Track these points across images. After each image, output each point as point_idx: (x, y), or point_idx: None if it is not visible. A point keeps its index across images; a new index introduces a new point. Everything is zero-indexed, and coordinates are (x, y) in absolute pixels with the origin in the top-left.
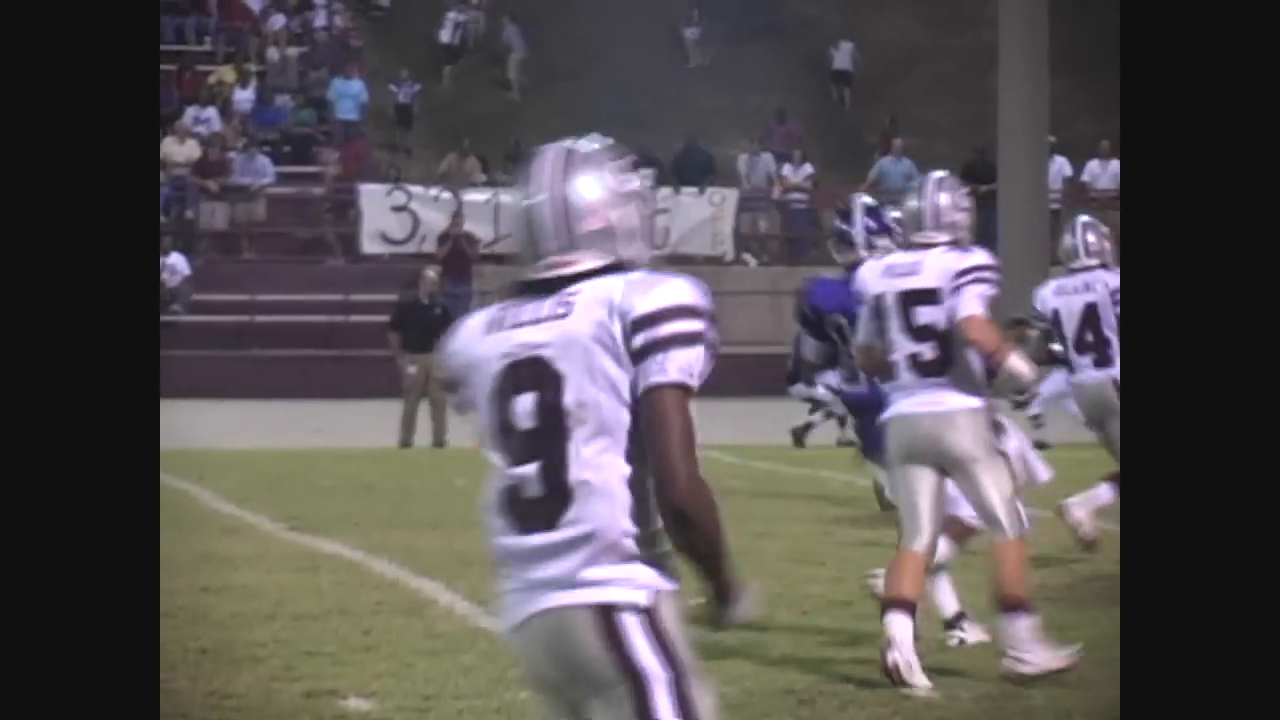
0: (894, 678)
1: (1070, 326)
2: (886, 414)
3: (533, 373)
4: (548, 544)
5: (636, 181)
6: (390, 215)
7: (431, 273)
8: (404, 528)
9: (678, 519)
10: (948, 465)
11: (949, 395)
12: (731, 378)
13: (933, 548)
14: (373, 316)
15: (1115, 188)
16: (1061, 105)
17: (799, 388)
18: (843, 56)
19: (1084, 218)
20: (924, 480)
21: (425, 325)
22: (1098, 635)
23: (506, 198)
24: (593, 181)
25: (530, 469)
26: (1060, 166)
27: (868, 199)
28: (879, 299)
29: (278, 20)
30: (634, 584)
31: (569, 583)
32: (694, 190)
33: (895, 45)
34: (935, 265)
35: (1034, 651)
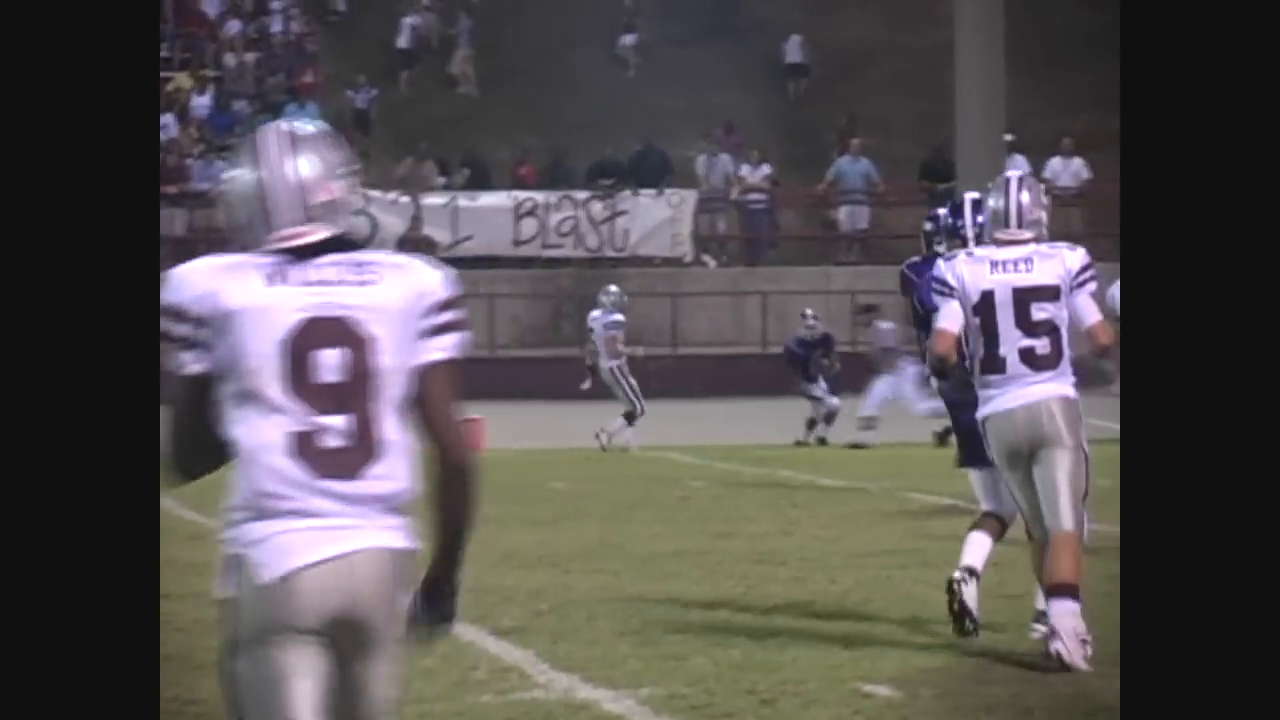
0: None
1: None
2: (989, 409)
3: (340, 330)
4: (353, 493)
5: (350, 164)
6: (349, 219)
7: None
8: None
9: (463, 476)
10: (1039, 450)
11: (1053, 386)
12: (691, 379)
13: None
14: None
15: (1076, 185)
16: (1019, 103)
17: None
18: (793, 49)
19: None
20: (1025, 480)
21: None
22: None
23: (465, 201)
24: (317, 159)
25: (337, 420)
26: (1019, 164)
27: (974, 194)
28: (987, 294)
29: (234, 26)
30: (412, 537)
31: (373, 529)
32: (652, 192)
33: (852, 43)
34: (1049, 262)
35: (1073, 641)
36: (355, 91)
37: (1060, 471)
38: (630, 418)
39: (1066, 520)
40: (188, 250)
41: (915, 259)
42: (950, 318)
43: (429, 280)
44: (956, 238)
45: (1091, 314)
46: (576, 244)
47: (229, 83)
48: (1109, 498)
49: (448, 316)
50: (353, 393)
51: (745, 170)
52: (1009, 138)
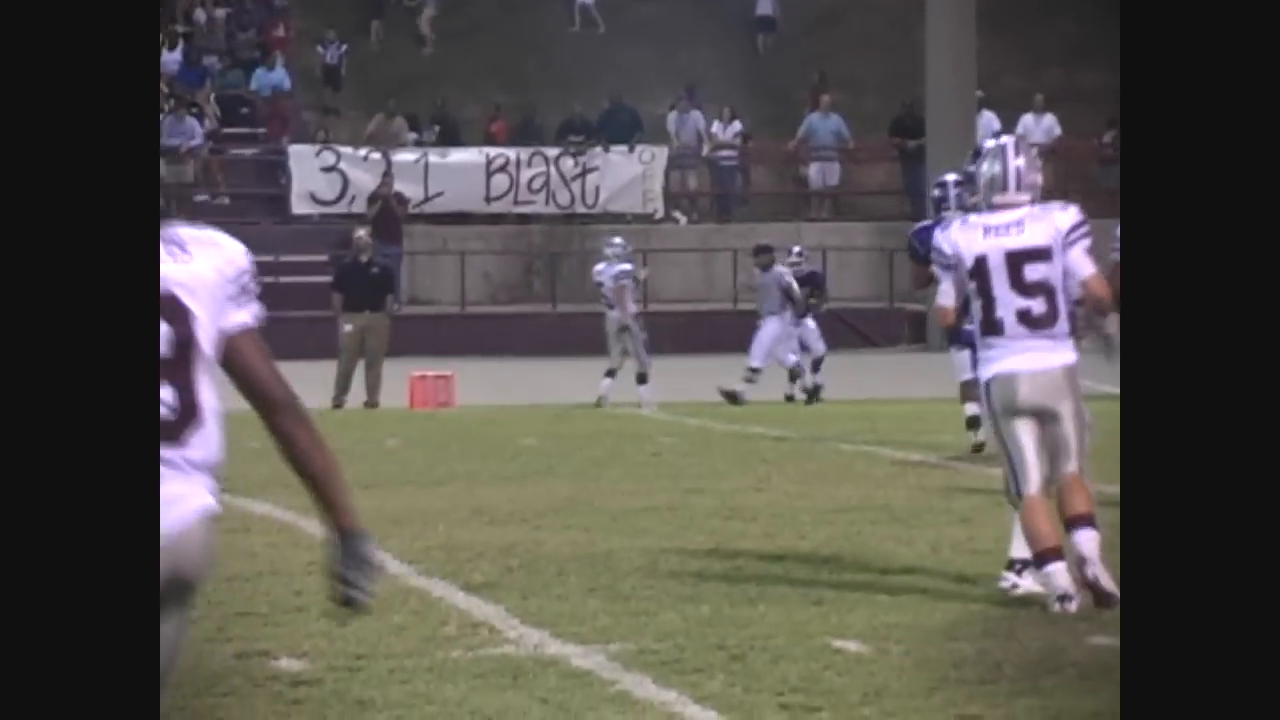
0: (1096, 591)
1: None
2: (991, 372)
3: (170, 306)
4: (177, 458)
5: None
6: (319, 176)
7: (362, 232)
8: None
9: (305, 421)
10: (1046, 414)
11: (1054, 348)
12: (662, 335)
13: (1047, 488)
14: (303, 277)
15: (1048, 141)
16: (989, 60)
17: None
18: (765, 3)
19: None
20: (1030, 432)
21: (364, 285)
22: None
23: (436, 158)
24: None
25: (167, 392)
26: (989, 121)
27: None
28: (981, 259)
29: None
30: (216, 502)
31: (196, 494)
32: (623, 149)
33: (821, 2)
34: (1040, 223)
35: (1104, 564)
36: (325, 47)
37: (1067, 426)
38: (641, 378)
39: (1074, 465)
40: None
41: (924, 224)
42: (947, 294)
43: (235, 252)
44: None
45: (1085, 268)
46: (548, 200)
47: (199, 38)
48: (1104, 456)
49: (251, 283)
50: (177, 365)
51: (716, 127)
52: (979, 94)
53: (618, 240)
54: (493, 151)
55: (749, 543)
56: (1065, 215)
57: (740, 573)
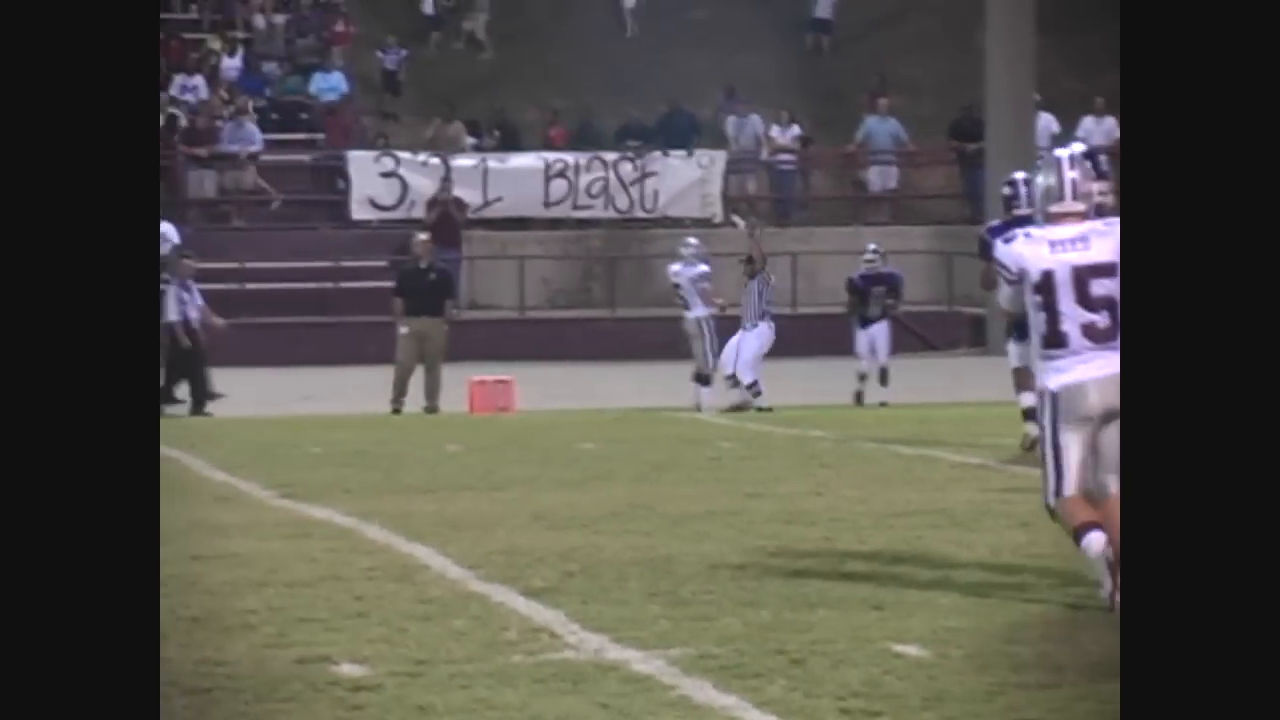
0: None
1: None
2: (1058, 382)
3: None
4: None
5: None
6: (379, 181)
7: (423, 236)
8: (395, 493)
9: None
10: (1111, 420)
11: (1115, 359)
12: (721, 339)
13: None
14: (362, 283)
15: (1108, 144)
16: (1047, 62)
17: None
18: (824, 5)
19: None
20: (1083, 444)
21: (422, 290)
22: (1089, 593)
23: (495, 163)
24: None
25: None
26: (1047, 123)
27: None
28: (1048, 274)
29: None
30: None
31: None
32: (682, 153)
33: (880, 3)
34: (1106, 240)
35: None
36: (385, 53)
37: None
38: (702, 379)
39: (1115, 484)
40: (217, 212)
41: (995, 223)
42: (1011, 300)
43: None
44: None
45: None
46: (606, 205)
47: (259, 44)
48: None
49: None
50: None
51: (775, 131)
52: (1036, 97)
53: (693, 240)
54: (551, 156)
55: (808, 547)
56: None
57: (800, 577)
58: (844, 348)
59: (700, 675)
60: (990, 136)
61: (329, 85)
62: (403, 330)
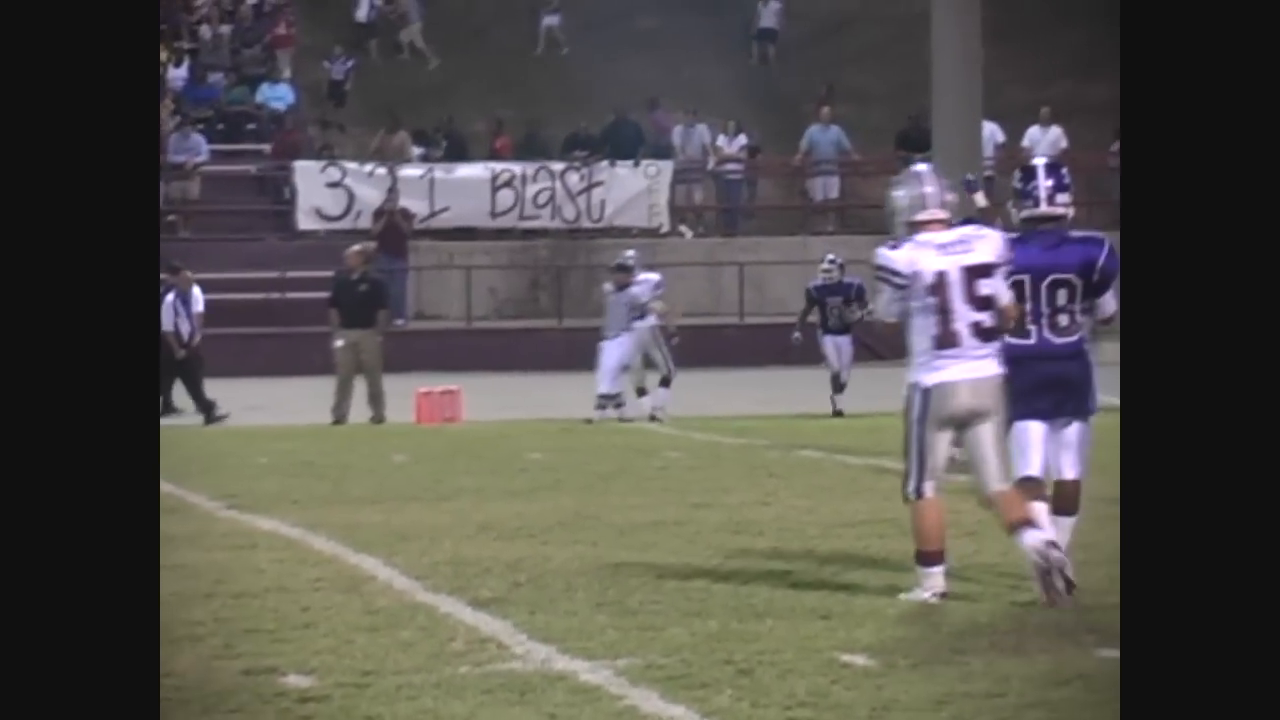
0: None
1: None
2: (936, 379)
3: None
4: None
5: None
6: (325, 191)
7: (356, 247)
8: (342, 504)
9: None
10: (974, 420)
11: (993, 363)
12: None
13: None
14: (309, 293)
15: (1053, 154)
16: (995, 72)
17: None
18: (769, 14)
19: None
20: (948, 441)
21: (354, 301)
22: (1037, 607)
23: (442, 173)
24: None
25: None
26: (992, 132)
27: (1043, 159)
28: (942, 274)
29: None
30: None
31: None
32: (629, 163)
33: (828, 13)
34: (984, 243)
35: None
36: (331, 63)
37: (994, 438)
38: (666, 381)
39: (998, 481)
40: (164, 223)
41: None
42: (890, 310)
43: None
44: (1028, 199)
45: (1005, 294)
46: (553, 215)
47: (204, 55)
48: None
49: None
50: None
51: (722, 141)
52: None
53: (631, 252)
54: (498, 166)
55: (756, 557)
56: (997, 238)
57: (747, 587)
58: (792, 358)
59: (647, 685)
60: (937, 146)
61: (276, 96)
62: (338, 342)
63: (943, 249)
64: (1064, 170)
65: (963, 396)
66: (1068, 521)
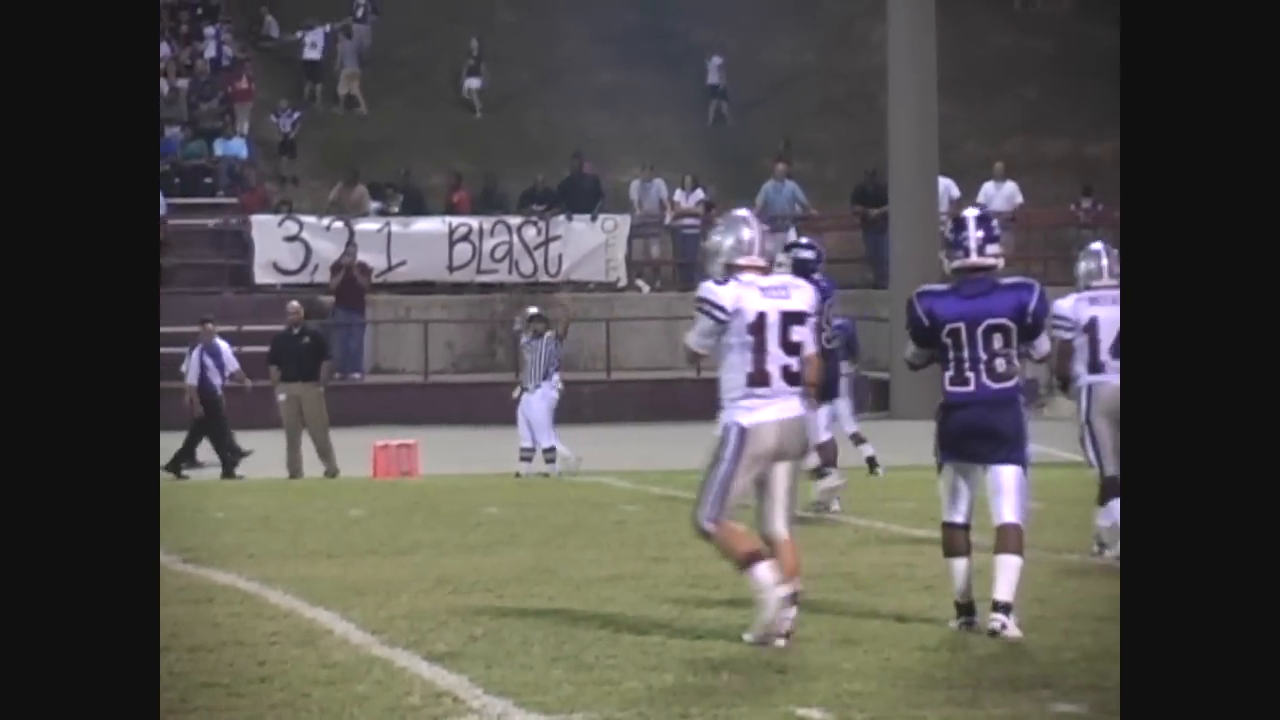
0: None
1: (1109, 333)
2: (750, 419)
3: None
4: None
5: None
6: (282, 245)
7: (295, 304)
8: (298, 558)
9: None
10: (777, 462)
11: (800, 404)
12: (625, 403)
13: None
14: (266, 347)
15: (1008, 209)
16: (950, 128)
17: None
18: (714, 72)
19: (1099, 244)
20: (753, 478)
21: (295, 355)
22: (994, 655)
23: (399, 227)
24: None
25: None
26: (947, 188)
27: (974, 210)
28: (762, 315)
29: (165, 51)
30: None
31: None
32: (586, 217)
33: (784, 68)
34: (801, 292)
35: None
36: (278, 116)
37: (790, 481)
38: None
39: (782, 523)
40: None
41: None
42: (701, 344)
43: None
44: (959, 249)
45: (811, 344)
46: (511, 269)
47: (162, 109)
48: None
49: None
50: None
51: (679, 195)
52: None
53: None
54: (455, 221)
55: (712, 611)
56: (810, 290)
57: (704, 641)
58: None
59: None
60: (893, 201)
61: (230, 151)
62: (280, 397)
63: (765, 291)
64: (994, 222)
65: (772, 438)
66: (1013, 561)
